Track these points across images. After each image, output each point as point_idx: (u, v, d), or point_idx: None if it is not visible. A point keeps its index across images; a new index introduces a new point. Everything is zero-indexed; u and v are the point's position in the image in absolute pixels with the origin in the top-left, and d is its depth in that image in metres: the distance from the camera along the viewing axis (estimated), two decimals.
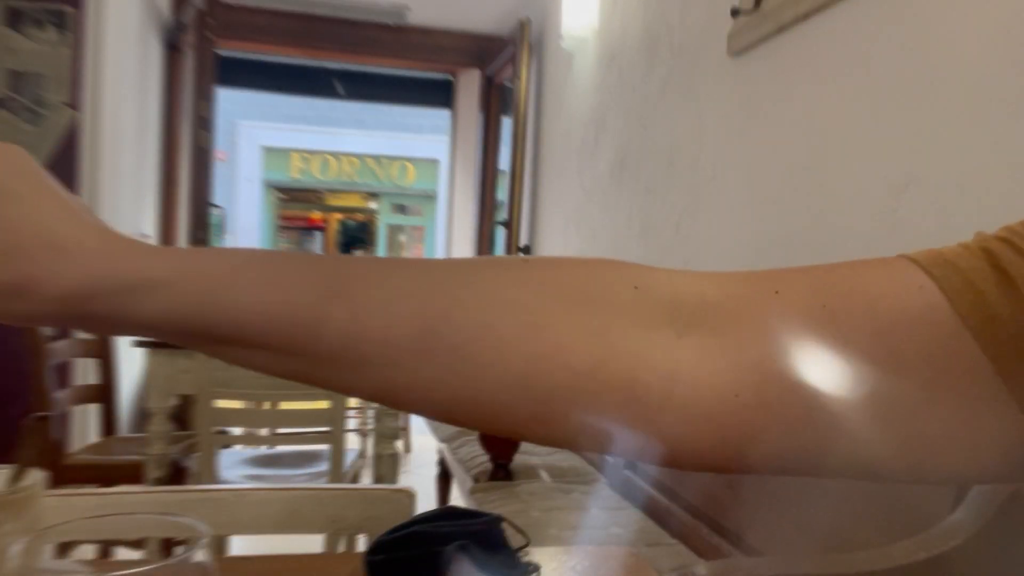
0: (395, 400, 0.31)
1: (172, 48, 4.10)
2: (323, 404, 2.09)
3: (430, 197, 10.41)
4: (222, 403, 2.09)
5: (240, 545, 2.23)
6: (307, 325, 0.29)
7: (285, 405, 2.31)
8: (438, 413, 0.31)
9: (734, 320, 0.31)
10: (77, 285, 0.28)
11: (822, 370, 0.30)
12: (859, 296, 0.31)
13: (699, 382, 0.30)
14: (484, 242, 4.90)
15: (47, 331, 2.16)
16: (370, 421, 3.49)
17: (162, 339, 0.31)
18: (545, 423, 0.31)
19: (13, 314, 0.28)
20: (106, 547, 2.07)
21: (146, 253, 0.29)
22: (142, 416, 3.42)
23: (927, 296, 0.30)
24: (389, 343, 0.29)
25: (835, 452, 0.31)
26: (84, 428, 2.88)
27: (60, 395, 2.23)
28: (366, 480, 2.70)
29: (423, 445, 4.10)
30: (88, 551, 1.99)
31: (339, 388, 0.31)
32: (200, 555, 0.33)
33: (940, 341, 0.30)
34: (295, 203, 11.99)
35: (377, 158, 10.68)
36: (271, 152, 10.10)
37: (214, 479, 2.07)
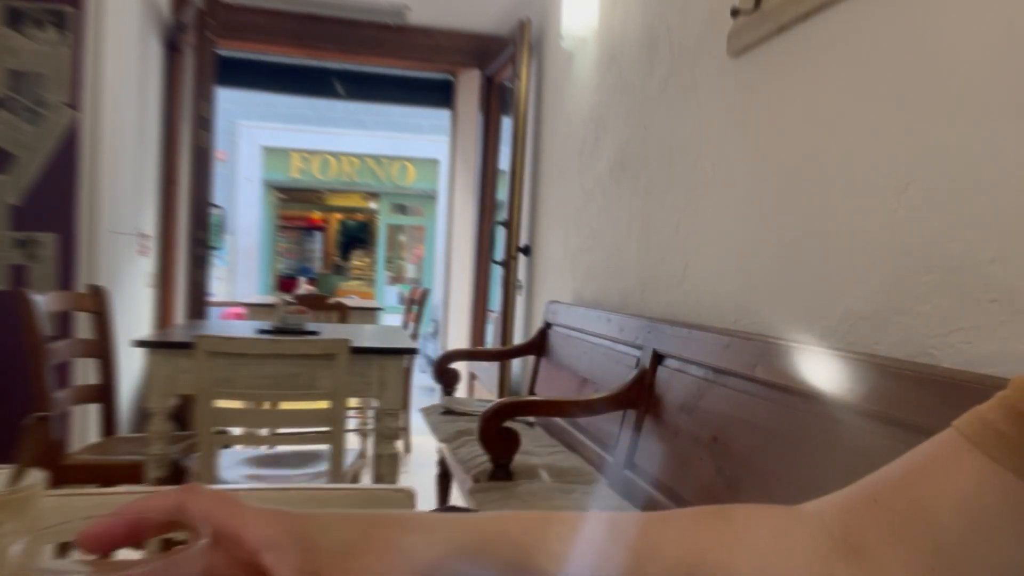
0: None
1: (172, 48, 4.10)
2: (323, 404, 2.09)
3: (430, 197, 10.42)
4: (222, 403, 2.09)
5: None
6: None
7: (285, 405, 2.31)
8: None
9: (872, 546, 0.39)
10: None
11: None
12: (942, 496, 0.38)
13: None
14: (484, 242, 4.90)
15: (47, 331, 2.16)
16: (370, 421, 3.49)
17: None
18: None
19: None
20: None
21: None
22: (142, 416, 3.42)
23: (975, 466, 0.36)
24: None
25: None
26: (84, 428, 2.88)
27: (60, 395, 2.23)
28: (366, 480, 2.70)
29: (423, 445, 4.10)
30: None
31: None
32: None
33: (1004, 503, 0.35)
34: (295, 203, 11.99)
35: (377, 158, 10.68)
36: (271, 152, 10.10)
37: (214, 479, 2.07)
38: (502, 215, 4.10)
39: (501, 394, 3.84)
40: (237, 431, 2.52)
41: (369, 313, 5.02)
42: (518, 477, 2.02)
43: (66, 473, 2.14)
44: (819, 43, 1.55)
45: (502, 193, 4.50)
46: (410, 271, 12.38)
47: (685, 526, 0.40)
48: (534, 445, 2.37)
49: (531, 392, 3.14)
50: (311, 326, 2.65)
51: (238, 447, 2.74)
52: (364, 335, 2.69)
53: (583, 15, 3.07)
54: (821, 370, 1.28)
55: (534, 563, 0.37)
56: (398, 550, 0.36)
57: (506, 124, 4.45)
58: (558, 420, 2.58)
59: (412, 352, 2.76)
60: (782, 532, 0.40)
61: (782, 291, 1.63)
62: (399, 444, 2.41)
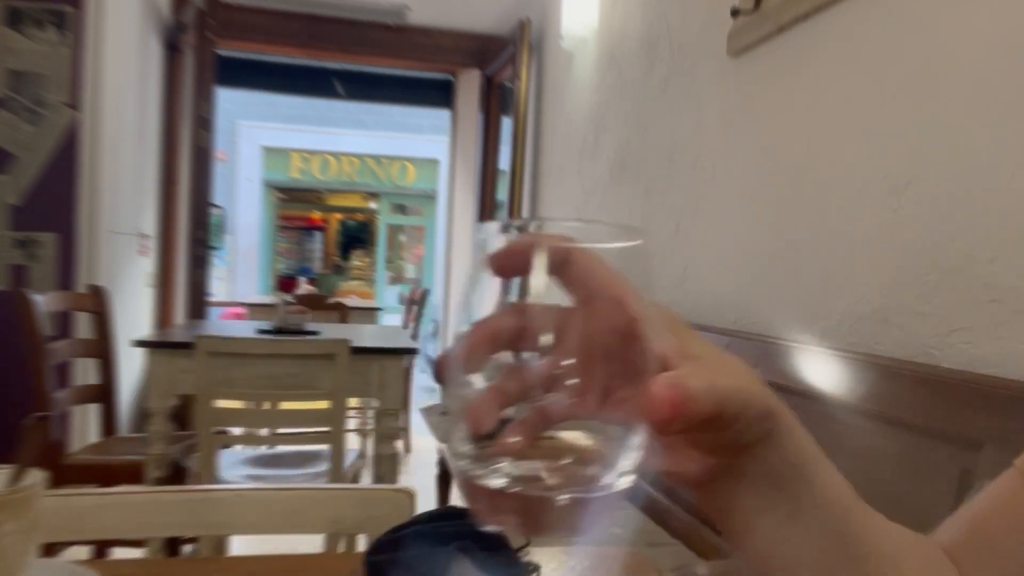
0: None
1: (172, 48, 4.10)
2: (323, 404, 2.09)
3: (430, 197, 10.41)
4: (222, 403, 2.09)
5: (240, 545, 2.23)
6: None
7: (285, 405, 2.31)
8: None
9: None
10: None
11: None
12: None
13: None
14: None
15: (47, 331, 2.16)
16: (370, 421, 3.49)
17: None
18: None
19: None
20: (101, 546, 2.07)
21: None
22: (142, 416, 3.42)
23: None
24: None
25: None
26: (84, 428, 2.88)
27: (60, 395, 2.23)
28: (366, 480, 2.70)
29: (423, 445, 4.10)
30: (82, 552, 1.99)
31: None
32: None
33: None
34: (295, 203, 11.98)
35: (377, 158, 10.68)
36: (271, 152, 10.10)
37: (214, 479, 2.07)
38: (502, 215, 4.10)
39: None
40: (237, 431, 2.52)
41: (369, 313, 5.02)
42: None
43: (66, 473, 2.14)
44: (819, 43, 1.55)
45: (502, 193, 4.50)
46: (410, 271, 12.37)
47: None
48: None
49: None
50: (311, 326, 2.65)
51: (238, 447, 2.74)
52: (364, 335, 2.69)
53: (583, 15, 3.07)
54: (821, 370, 1.28)
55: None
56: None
57: (506, 124, 4.45)
58: None
59: (412, 352, 2.76)
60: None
61: (782, 291, 1.63)
62: (399, 444, 2.41)
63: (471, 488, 0.28)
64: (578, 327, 0.30)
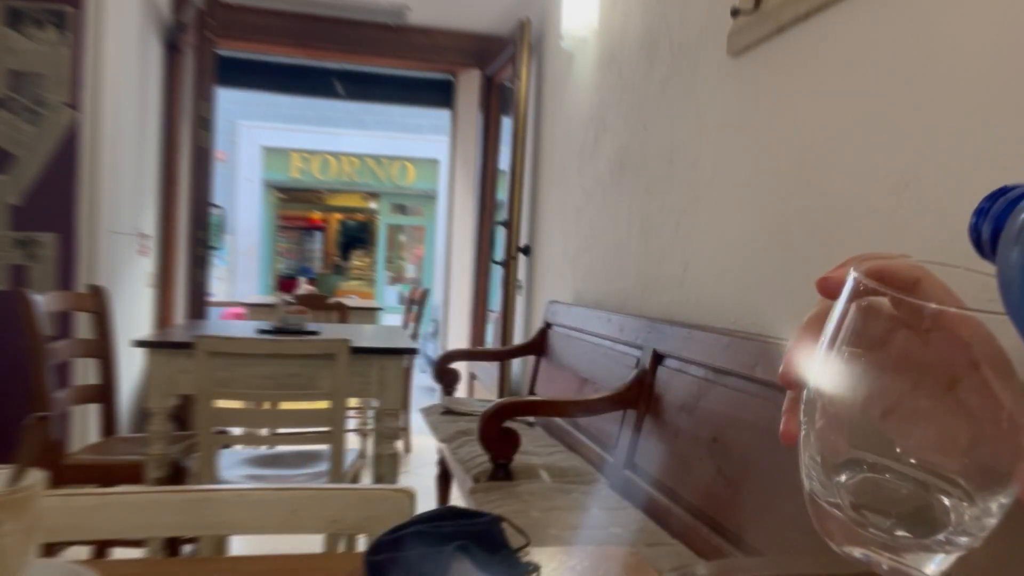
0: None
1: (172, 48, 4.10)
2: (323, 404, 2.09)
3: (430, 197, 10.42)
4: (222, 403, 2.09)
5: (240, 545, 2.23)
6: None
7: (285, 405, 2.31)
8: None
9: None
10: None
11: None
12: None
13: None
14: (484, 242, 4.90)
15: (47, 331, 2.16)
16: (370, 421, 3.49)
17: None
18: None
19: None
20: (101, 546, 2.07)
21: None
22: (142, 416, 3.42)
23: None
24: None
25: None
26: (84, 428, 2.88)
27: (60, 395, 2.23)
28: (366, 480, 2.70)
29: (423, 445, 4.10)
30: (82, 552, 1.99)
31: None
32: None
33: None
34: (295, 203, 11.99)
35: (377, 158, 10.68)
36: (271, 152, 10.10)
37: (214, 479, 2.07)
38: (502, 215, 4.10)
39: (501, 394, 3.84)
40: (237, 431, 2.52)
41: (369, 313, 5.02)
42: (518, 477, 2.02)
43: (66, 473, 2.14)
44: (819, 43, 1.55)
45: (502, 193, 4.50)
46: (410, 271, 12.38)
47: None
48: (534, 445, 2.37)
49: (531, 392, 3.14)
50: (311, 326, 2.65)
51: (238, 447, 2.74)
52: (364, 335, 2.69)
53: (583, 15, 3.07)
54: None
55: None
56: None
57: (506, 124, 4.46)
58: (558, 420, 2.58)
59: (412, 352, 2.76)
60: None
61: (782, 291, 1.63)
62: (399, 444, 2.41)
63: (815, 509, 0.29)
64: (913, 355, 0.29)
